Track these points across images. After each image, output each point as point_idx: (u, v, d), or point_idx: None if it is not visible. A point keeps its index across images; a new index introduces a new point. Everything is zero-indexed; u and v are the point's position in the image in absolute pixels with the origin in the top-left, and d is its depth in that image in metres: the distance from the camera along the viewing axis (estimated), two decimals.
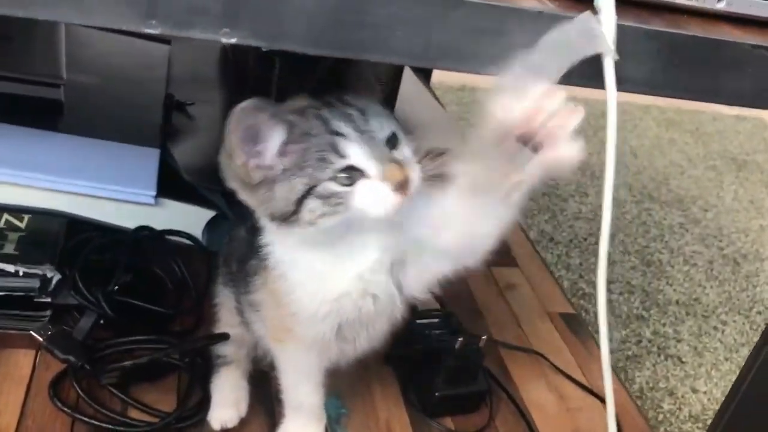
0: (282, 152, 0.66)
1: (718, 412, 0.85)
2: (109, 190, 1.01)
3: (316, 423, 0.88)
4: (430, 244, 0.72)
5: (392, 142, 0.68)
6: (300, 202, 0.66)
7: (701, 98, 0.59)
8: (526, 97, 0.54)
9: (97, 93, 1.18)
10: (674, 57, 0.56)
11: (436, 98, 1.87)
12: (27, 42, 1.14)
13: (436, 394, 0.94)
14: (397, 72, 1.42)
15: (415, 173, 0.66)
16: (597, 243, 1.98)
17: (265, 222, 0.73)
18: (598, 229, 1.99)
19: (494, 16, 0.53)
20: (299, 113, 0.67)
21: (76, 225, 1.01)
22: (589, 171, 2.18)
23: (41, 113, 1.09)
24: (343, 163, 0.65)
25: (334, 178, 0.65)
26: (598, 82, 0.56)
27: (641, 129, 2.56)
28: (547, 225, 1.87)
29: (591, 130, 2.32)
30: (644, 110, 2.70)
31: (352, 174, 0.65)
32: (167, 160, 1.10)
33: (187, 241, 1.06)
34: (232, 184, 0.69)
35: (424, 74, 2.01)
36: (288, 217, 0.67)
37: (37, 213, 0.98)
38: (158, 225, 1.04)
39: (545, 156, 0.60)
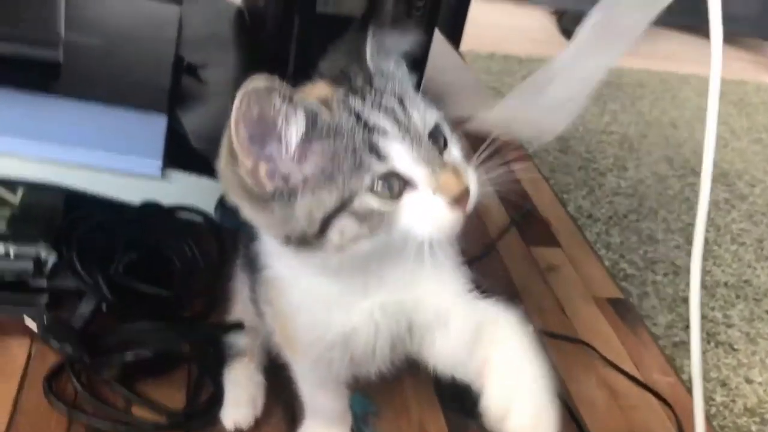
0: (303, 153, 0.52)
1: None
2: (111, 159, 0.90)
3: (339, 425, 0.78)
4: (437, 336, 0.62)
5: (437, 139, 0.55)
6: (328, 221, 0.52)
7: None
8: None
9: (99, 54, 1.07)
10: None
11: (467, 65, 1.76)
12: None
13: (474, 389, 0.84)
14: (428, 34, 1.31)
15: (473, 182, 0.53)
16: (638, 220, 1.85)
17: (272, 241, 0.59)
18: (639, 205, 1.85)
19: None
20: (323, 103, 0.53)
21: (74, 199, 0.91)
22: (627, 143, 2.06)
23: (36, 75, 0.99)
24: (384, 167, 0.51)
25: (373, 189, 0.51)
26: (698, 20, 0.44)
27: (680, 100, 2.42)
28: (585, 201, 1.75)
29: (628, 100, 2.20)
30: (683, 80, 2.56)
31: (394, 184, 0.51)
32: (175, 127, 0.99)
33: (198, 218, 0.96)
34: (235, 196, 0.55)
35: (453, 40, 1.89)
36: (309, 240, 0.53)
37: (31, 186, 0.89)
38: (166, 200, 0.94)
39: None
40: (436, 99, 1.51)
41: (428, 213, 0.52)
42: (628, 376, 0.96)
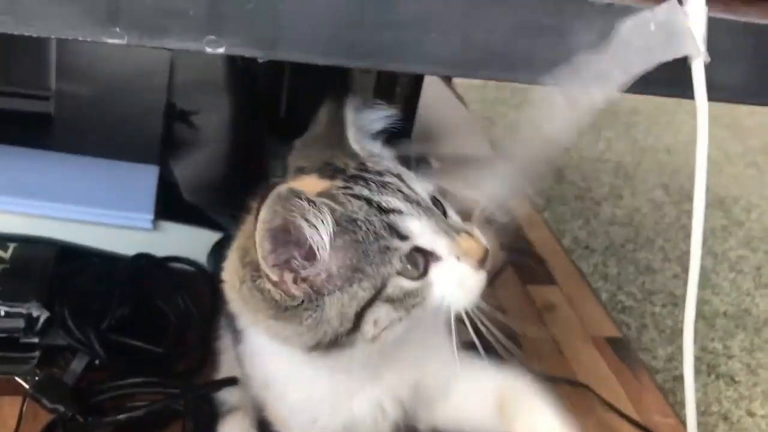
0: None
1: None
2: (102, 214, 0.90)
3: None
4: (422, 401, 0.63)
5: (437, 207, 0.55)
6: (362, 314, 0.50)
7: None
8: None
9: (90, 105, 1.07)
10: None
11: (459, 97, 1.76)
12: (10, 49, 1.04)
13: None
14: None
15: (486, 241, 0.53)
16: (635, 250, 1.84)
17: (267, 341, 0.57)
18: (636, 234, 1.84)
19: (551, 11, 0.41)
20: (328, 197, 0.51)
21: (66, 253, 0.91)
22: (623, 171, 2.06)
23: (28, 129, 0.99)
24: (407, 246, 0.50)
25: (402, 272, 0.50)
26: (683, 90, 0.44)
27: (675, 125, 2.43)
28: (581, 231, 1.74)
29: (622, 127, 2.19)
30: (677, 104, 2.56)
31: (418, 260, 0.51)
32: (167, 177, 0.99)
33: (191, 268, 0.96)
34: (258, 315, 0.52)
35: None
36: (340, 339, 0.51)
37: (22, 241, 0.88)
38: (158, 251, 0.94)
39: None
40: (429, 138, 1.50)
41: (458, 280, 0.52)
42: (628, 420, 0.94)
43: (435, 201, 0.55)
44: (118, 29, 0.37)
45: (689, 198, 2.06)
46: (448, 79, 1.87)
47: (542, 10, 0.40)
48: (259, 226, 0.47)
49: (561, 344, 1.06)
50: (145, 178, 0.96)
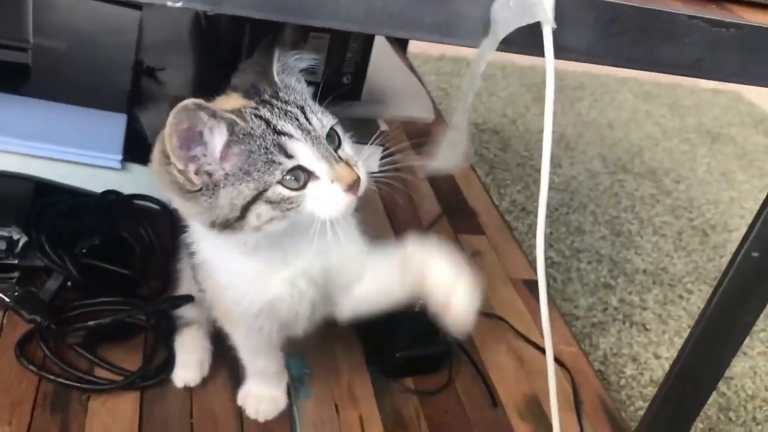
0: (224, 155, 0.63)
1: (668, 372, 0.88)
2: (75, 153, 1.02)
3: (277, 383, 0.90)
4: (352, 286, 0.77)
5: (333, 138, 0.68)
6: (247, 207, 0.64)
7: (640, 67, 0.61)
8: None
9: (65, 57, 1.18)
10: (613, 26, 0.58)
11: (411, 68, 1.88)
12: None
13: (397, 355, 0.97)
14: (368, 38, 1.43)
15: (363, 172, 0.67)
16: (568, 213, 2.01)
17: (198, 226, 0.71)
18: (570, 199, 2.01)
19: None
20: (237, 113, 0.65)
21: (43, 188, 1.02)
22: (564, 142, 2.21)
23: (8, 77, 1.10)
24: (291, 163, 0.63)
25: (282, 181, 0.63)
26: (538, 50, 0.57)
27: (618, 101, 2.58)
28: (520, 195, 1.89)
29: (568, 101, 2.37)
30: (622, 83, 2.72)
31: (300, 176, 0.64)
32: (134, 125, 1.11)
33: (155, 206, 1.08)
34: (168, 191, 0.66)
35: (400, 43, 2.01)
36: (231, 224, 0.65)
37: (3, 176, 0.99)
38: (126, 189, 1.06)
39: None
40: (377, 101, 1.63)
41: (328, 198, 0.65)
42: (534, 346, 1.09)
43: (332, 132, 0.68)
44: None
45: (624, 169, 2.23)
46: (402, 50, 1.99)
47: None
48: (168, 126, 0.60)
49: (483, 284, 1.20)
50: (114, 124, 1.07)
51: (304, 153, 0.64)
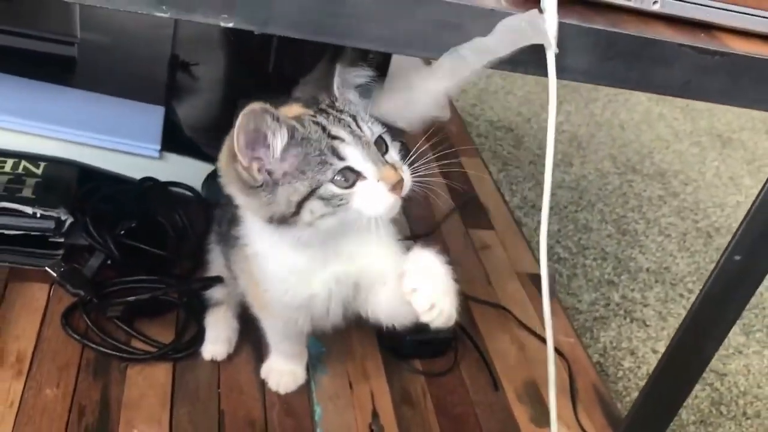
0: (283, 156, 0.71)
1: (657, 363, 0.96)
2: (117, 142, 1.11)
3: (298, 360, 0.99)
4: (380, 292, 0.82)
5: (380, 145, 0.75)
6: (301, 204, 0.71)
7: (634, 87, 0.68)
8: None
9: (108, 51, 1.26)
10: (609, 51, 0.65)
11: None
12: (44, 1, 1.23)
13: (407, 338, 1.05)
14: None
15: (407, 175, 0.74)
16: (576, 211, 2.08)
17: (255, 221, 0.78)
18: (579, 197, 2.08)
19: (453, 12, 0.61)
20: (297, 120, 0.72)
21: (86, 174, 1.11)
22: (576, 141, 2.27)
23: (57, 69, 1.18)
24: (342, 164, 0.71)
25: (333, 180, 0.70)
26: (542, 71, 0.65)
27: (632, 103, 2.63)
28: (530, 192, 1.96)
29: (582, 101, 2.44)
30: None
31: (349, 176, 0.71)
32: (171, 116, 1.19)
33: (188, 193, 1.17)
34: (232, 187, 0.73)
35: None
36: (287, 218, 0.72)
37: (52, 161, 1.08)
38: (162, 177, 1.14)
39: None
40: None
41: (374, 196, 0.72)
42: (535, 335, 1.17)
43: (380, 140, 0.75)
44: (164, 7, 0.57)
45: (634, 170, 2.30)
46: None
47: (447, 11, 0.60)
48: (237, 125, 0.68)
49: (490, 276, 1.28)
50: (153, 115, 1.16)
51: (353, 155, 0.71)
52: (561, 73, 0.65)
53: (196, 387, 0.95)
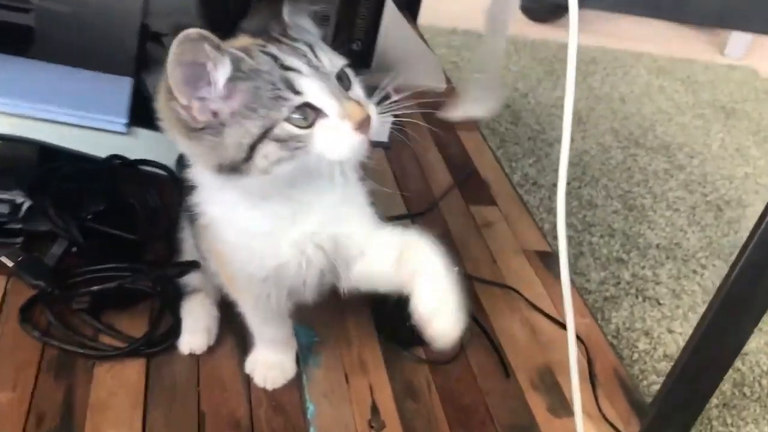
0: (229, 92, 0.61)
1: (684, 346, 0.86)
2: (80, 117, 1.00)
3: (286, 351, 0.89)
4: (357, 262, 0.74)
5: (343, 80, 0.65)
6: (254, 147, 0.61)
7: (669, 17, 0.58)
8: None
9: (69, 20, 1.15)
10: None
11: (422, 38, 1.85)
12: None
13: (408, 324, 0.95)
14: (378, 6, 1.40)
15: (374, 111, 0.64)
16: (580, 187, 1.97)
17: (202, 176, 0.69)
18: (583, 173, 1.97)
19: None
20: (244, 50, 0.62)
21: (47, 153, 1.00)
22: (576, 116, 2.17)
23: (11, 38, 1.07)
24: (299, 100, 0.61)
25: (290, 119, 0.61)
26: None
27: (631, 76, 2.54)
28: (531, 168, 1.86)
29: (580, 75, 2.33)
30: (636, 58, 2.68)
31: (308, 114, 0.61)
32: (141, 89, 1.08)
33: (160, 171, 1.06)
34: (171, 130, 0.64)
35: (411, 14, 1.98)
36: (238, 166, 0.62)
37: (6, 139, 0.97)
38: (131, 154, 1.03)
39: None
40: (387, 69, 1.61)
41: (337, 136, 0.62)
42: (547, 316, 1.07)
43: (342, 74, 0.65)
44: None
45: (637, 143, 2.20)
46: (413, 21, 1.95)
47: None
48: (170, 57, 0.58)
49: (495, 255, 1.18)
50: (120, 87, 1.05)
51: (312, 89, 0.62)
52: (588, 2, 0.55)
53: (172, 385, 0.85)
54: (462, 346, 0.98)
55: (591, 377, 0.99)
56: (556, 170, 1.98)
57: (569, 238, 1.64)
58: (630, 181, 1.92)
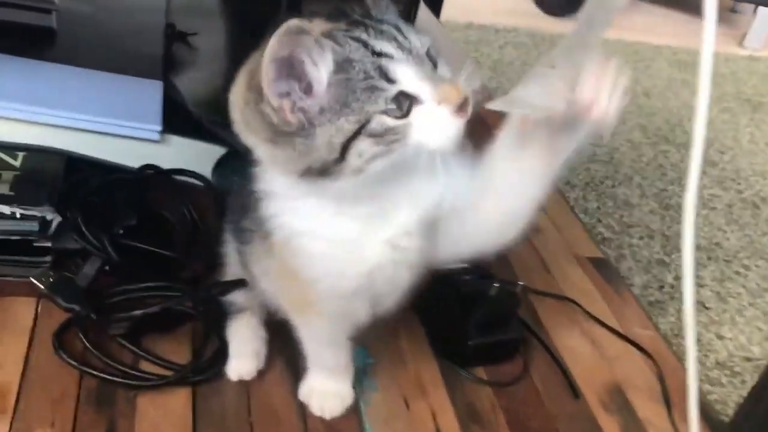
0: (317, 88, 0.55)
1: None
2: (110, 124, 0.92)
3: (342, 376, 0.82)
4: (468, 216, 0.65)
5: (431, 59, 0.58)
6: (347, 145, 0.55)
7: None
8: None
9: (92, 21, 1.08)
10: None
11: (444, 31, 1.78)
12: None
13: (469, 343, 0.88)
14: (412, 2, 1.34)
15: (469, 91, 0.57)
16: (614, 186, 1.91)
17: (277, 184, 0.62)
18: (615, 171, 1.91)
19: None
20: (330, 37, 0.56)
21: (74, 164, 0.93)
22: None
23: (32, 41, 1.00)
24: (395, 89, 0.55)
25: (386, 111, 0.55)
26: None
27: (653, 70, 2.48)
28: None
29: None
30: (656, 51, 2.62)
31: (403, 102, 0.55)
32: (171, 93, 1.01)
33: (196, 181, 0.98)
34: (253, 135, 0.57)
35: (434, 10, 1.92)
36: (329, 168, 0.56)
37: (32, 150, 0.90)
38: (164, 163, 0.96)
39: (593, 118, 0.59)
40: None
41: (435, 123, 0.56)
42: (611, 330, 1.00)
43: (429, 53, 0.58)
44: None
45: (666, 139, 2.14)
46: (436, 15, 1.89)
47: None
48: (267, 53, 0.51)
49: (547, 263, 1.11)
50: (150, 91, 0.98)
51: (406, 75, 0.55)
52: None
53: (221, 416, 0.78)
54: (525, 365, 0.92)
55: (664, 395, 0.92)
56: (587, 169, 1.92)
57: (608, 240, 1.58)
58: (663, 178, 1.86)
